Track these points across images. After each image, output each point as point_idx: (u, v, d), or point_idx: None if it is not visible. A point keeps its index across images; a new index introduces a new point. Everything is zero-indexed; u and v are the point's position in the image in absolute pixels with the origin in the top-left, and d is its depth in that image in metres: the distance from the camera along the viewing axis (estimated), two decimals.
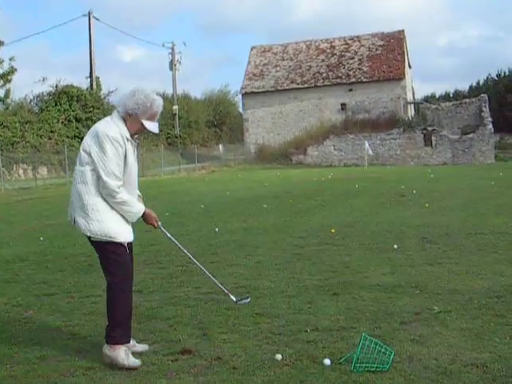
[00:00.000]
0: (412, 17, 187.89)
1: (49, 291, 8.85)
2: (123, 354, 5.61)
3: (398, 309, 7.12)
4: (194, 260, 6.58)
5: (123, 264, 5.78)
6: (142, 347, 6.07)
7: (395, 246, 11.08)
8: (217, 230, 14.40)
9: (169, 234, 6.26)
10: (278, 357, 5.56)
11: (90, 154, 5.67)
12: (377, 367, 5.21)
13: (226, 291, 6.57)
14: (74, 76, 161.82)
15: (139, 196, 6.19)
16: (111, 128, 5.69)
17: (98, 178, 5.65)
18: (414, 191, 22.63)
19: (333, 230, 13.38)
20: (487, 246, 10.90)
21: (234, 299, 6.50)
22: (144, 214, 5.95)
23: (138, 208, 5.88)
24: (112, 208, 5.74)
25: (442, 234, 12.45)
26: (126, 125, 5.78)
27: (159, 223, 6.09)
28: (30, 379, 5.35)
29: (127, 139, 5.73)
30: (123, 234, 5.80)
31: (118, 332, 5.70)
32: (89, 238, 5.78)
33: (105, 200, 5.71)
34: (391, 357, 5.29)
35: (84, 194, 5.70)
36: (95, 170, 5.65)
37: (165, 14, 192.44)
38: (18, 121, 45.83)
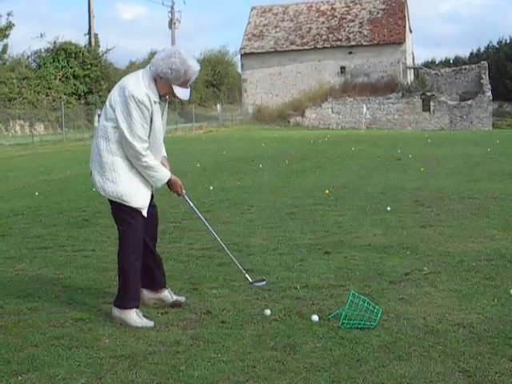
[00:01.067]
0: None
1: (42, 245, 8.88)
2: (135, 316, 5.49)
3: (388, 269, 7.16)
4: (216, 235, 6.32)
5: (135, 227, 5.58)
6: (177, 299, 6.05)
7: (388, 208, 11.11)
8: (211, 188, 14.43)
9: (192, 204, 6.07)
10: (267, 312, 5.60)
11: (114, 110, 5.39)
12: (364, 324, 5.25)
13: (243, 271, 6.25)
14: (73, 33, 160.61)
15: (165, 158, 5.91)
16: (139, 89, 5.35)
17: (120, 136, 5.38)
18: (410, 155, 22.67)
19: (327, 191, 13.42)
20: (480, 211, 10.93)
21: (250, 280, 6.21)
22: (169, 180, 5.71)
23: (164, 174, 5.62)
24: (131, 170, 5.50)
25: (435, 198, 12.49)
26: (157, 85, 5.47)
27: (184, 191, 5.88)
28: (21, 329, 5.37)
29: (154, 102, 5.42)
30: (137, 199, 5.54)
31: (127, 297, 5.56)
32: None
33: (124, 160, 5.47)
34: (379, 315, 5.32)
35: (103, 151, 5.45)
36: (118, 128, 5.37)
37: None
38: (16, 77, 45.63)
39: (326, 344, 4.90)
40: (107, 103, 5.51)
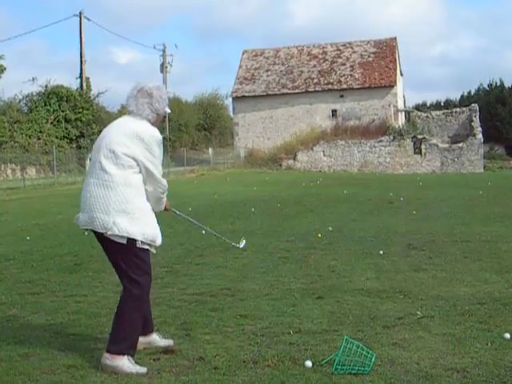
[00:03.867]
0: (407, 26, 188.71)
1: (33, 290, 8.81)
2: (127, 363, 5.42)
3: (381, 313, 7.14)
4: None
5: (147, 272, 5.73)
6: (167, 342, 6.05)
7: (381, 252, 11.11)
8: (204, 232, 14.39)
9: (182, 214, 6.55)
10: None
11: (134, 158, 5.47)
12: (358, 370, 5.22)
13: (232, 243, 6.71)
14: (66, 77, 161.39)
15: None
16: (152, 128, 5.64)
17: (143, 181, 5.56)
18: (402, 198, 22.73)
19: (320, 235, 13.41)
20: (472, 254, 10.93)
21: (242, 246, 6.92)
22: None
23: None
24: (151, 210, 5.71)
25: (427, 241, 12.50)
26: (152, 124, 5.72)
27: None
28: (12, 377, 5.31)
29: None
30: (160, 237, 5.79)
31: (124, 344, 5.50)
32: (112, 242, 5.54)
33: (146, 202, 5.63)
34: (373, 360, 5.29)
35: (130, 197, 5.48)
36: (141, 173, 5.53)
37: (160, 17, 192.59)
38: (7, 120, 45.65)
39: None
40: (119, 153, 5.48)
